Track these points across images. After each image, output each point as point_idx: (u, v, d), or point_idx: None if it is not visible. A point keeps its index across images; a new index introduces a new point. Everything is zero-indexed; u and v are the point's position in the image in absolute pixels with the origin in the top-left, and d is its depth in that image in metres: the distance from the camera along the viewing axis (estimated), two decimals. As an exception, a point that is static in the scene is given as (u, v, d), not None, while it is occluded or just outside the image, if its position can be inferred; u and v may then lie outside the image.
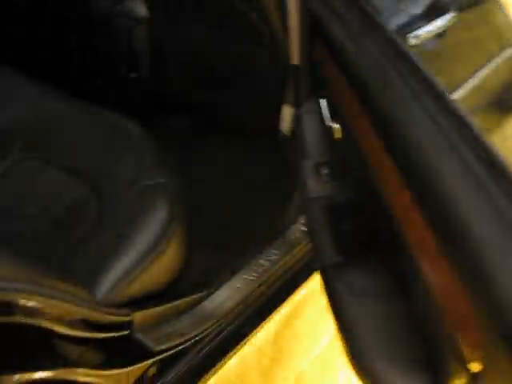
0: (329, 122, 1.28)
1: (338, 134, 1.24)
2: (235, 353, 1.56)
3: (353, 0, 1.11)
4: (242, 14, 1.58)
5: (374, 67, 0.99)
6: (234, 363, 1.79)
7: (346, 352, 1.07)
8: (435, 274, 0.86)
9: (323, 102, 1.31)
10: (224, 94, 2.01)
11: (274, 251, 1.66)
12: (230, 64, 1.85)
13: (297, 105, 1.50)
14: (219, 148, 2.22)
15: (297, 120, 1.41)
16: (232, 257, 1.65)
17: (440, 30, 1.63)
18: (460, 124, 0.84)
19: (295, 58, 1.45)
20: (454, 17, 1.65)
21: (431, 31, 1.59)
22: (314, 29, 1.23)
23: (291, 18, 1.39)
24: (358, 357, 1.05)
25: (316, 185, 1.27)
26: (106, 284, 1.29)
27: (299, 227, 1.72)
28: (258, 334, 1.64)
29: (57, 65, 2.58)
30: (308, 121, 1.37)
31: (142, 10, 2.04)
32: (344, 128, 1.19)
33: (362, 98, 1.02)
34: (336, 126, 1.24)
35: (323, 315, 1.55)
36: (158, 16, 2.00)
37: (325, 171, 1.30)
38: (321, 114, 1.32)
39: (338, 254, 1.15)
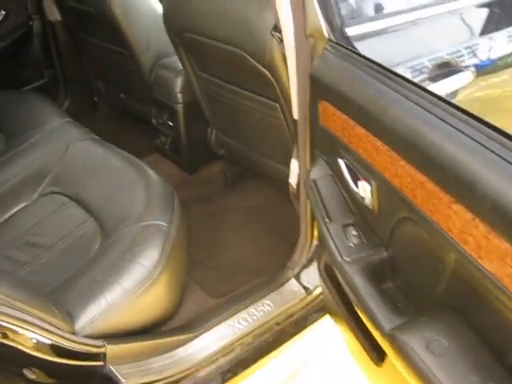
0: (351, 183, 1.21)
1: (363, 193, 1.16)
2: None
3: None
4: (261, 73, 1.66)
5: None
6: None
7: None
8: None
9: (342, 163, 1.26)
10: (254, 147, 2.09)
11: (268, 302, 1.68)
12: (256, 124, 1.93)
13: (302, 160, 1.55)
14: (242, 195, 2.31)
15: (313, 184, 1.37)
16: (223, 303, 1.68)
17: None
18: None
19: (295, 113, 1.51)
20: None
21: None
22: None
23: (291, 75, 1.45)
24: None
25: (346, 248, 1.20)
26: (85, 317, 1.36)
27: (297, 281, 1.72)
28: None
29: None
30: (325, 183, 1.35)
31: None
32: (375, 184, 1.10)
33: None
34: (362, 186, 1.15)
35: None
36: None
37: (352, 233, 1.25)
38: (332, 175, 1.33)
39: (397, 316, 1.05)
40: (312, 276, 1.71)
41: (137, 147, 2.62)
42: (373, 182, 1.07)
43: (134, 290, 1.42)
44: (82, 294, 1.42)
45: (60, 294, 1.45)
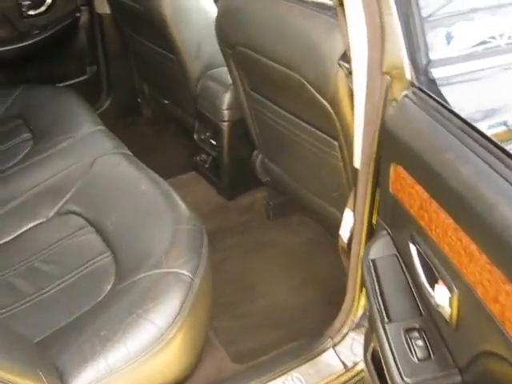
0: (424, 280, 0.93)
1: (439, 300, 0.86)
2: None
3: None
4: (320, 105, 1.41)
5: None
6: None
7: None
8: None
9: (413, 251, 0.96)
10: (303, 182, 1.83)
11: (298, 375, 1.42)
12: (309, 158, 1.68)
13: (359, 219, 1.28)
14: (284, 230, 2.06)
15: (371, 266, 1.08)
16: (246, 370, 1.43)
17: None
18: None
19: (357, 161, 1.25)
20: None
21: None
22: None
23: (357, 116, 1.19)
24: None
25: (409, 364, 0.92)
26: (78, 382, 1.14)
27: (336, 354, 1.46)
28: None
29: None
30: (387, 267, 1.05)
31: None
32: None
33: None
34: (439, 290, 0.86)
35: None
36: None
37: (418, 342, 0.94)
38: (397, 255, 1.04)
39: None
40: (353, 350, 1.45)
41: (175, 160, 2.42)
42: (456, 291, 0.79)
43: (140, 354, 1.20)
44: (79, 351, 1.20)
45: (54, 344, 1.24)
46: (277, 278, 1.86)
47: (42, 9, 2.37)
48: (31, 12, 2.36)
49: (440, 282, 0.83)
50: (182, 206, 1.56)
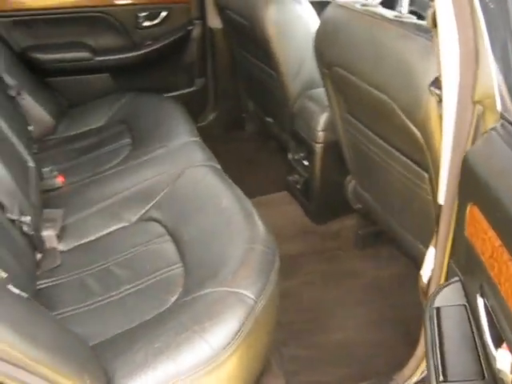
0: (488, 340, 0.80)
1: (501, 364, 0.74)
2: None
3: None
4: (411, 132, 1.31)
5: None
6: None
7: None
8: None
9: (481, 304, 0.83)
10: (394, 214, 1.73)
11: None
12: (400, 189, 1.58)
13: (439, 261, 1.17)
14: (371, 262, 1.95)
15: (435, 315, 0.96)
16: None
17: None
18: None
19: (441, 196, 1.15)
20: None
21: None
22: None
23: (445, 147, 1.09)
24: None
25: None
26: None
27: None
28: None
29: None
30: (452, 318, 0.93)
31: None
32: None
33: None
34: (502, 354, 0.74)
35: None
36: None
37: None
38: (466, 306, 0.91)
39: None
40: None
41: (270, 178, 2.39)
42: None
43: (190, 372, 1.16)
44: (131, 360, 1.18)
45: (109, 349, 1.24)
46: (354, 312, 1.76)
47: (157, 21, 2.46)
48: (146, 23, 2.46)
49: (504, 345, 0.71)
50: (260, 225, 1.51)
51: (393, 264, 1.94)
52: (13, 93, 2.12)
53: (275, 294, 1.33)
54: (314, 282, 1.88)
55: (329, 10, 1.55)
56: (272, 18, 1.90)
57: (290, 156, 2.16)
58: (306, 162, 2.05)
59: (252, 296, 1.28)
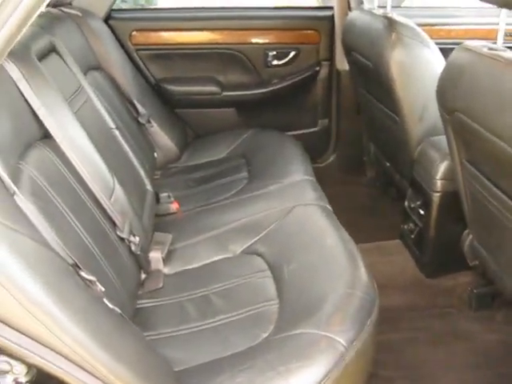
0: None
1: None
2: None
3: None
4: None
5: None
6: None
7: None
8: None
9: None
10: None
11: None
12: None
13: None
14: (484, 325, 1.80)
15: None
16: None
17: None
18: None
19: None
20: None
21: None
22: None
23: None
24: None
25: None
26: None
27: None
28: None
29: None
30: None
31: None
32: None
33: None
34: None
35: None
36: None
37: None
38: None
39: None
40: None
41: (385, 225, 2.32)
42: None
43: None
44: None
45: (194, 377, 1.25)
46: (461, 376, 1.63)
47: (285, 60, 2.51)
48: (275, 62, 2.52)
49: None
50: (363, 271, 1.46)
51: (508, 329, 1.77)
52: (143, 120, 2.26)
53: (369, 343, 1.26)
54: (419, 338, 1.77)
55: (455, 53, 1.48)
56: (397, 60, 1.85)
57: (406, 203, 2.08)
58: (422, 211, 1.96)
59: (343, 343, 1.23)
